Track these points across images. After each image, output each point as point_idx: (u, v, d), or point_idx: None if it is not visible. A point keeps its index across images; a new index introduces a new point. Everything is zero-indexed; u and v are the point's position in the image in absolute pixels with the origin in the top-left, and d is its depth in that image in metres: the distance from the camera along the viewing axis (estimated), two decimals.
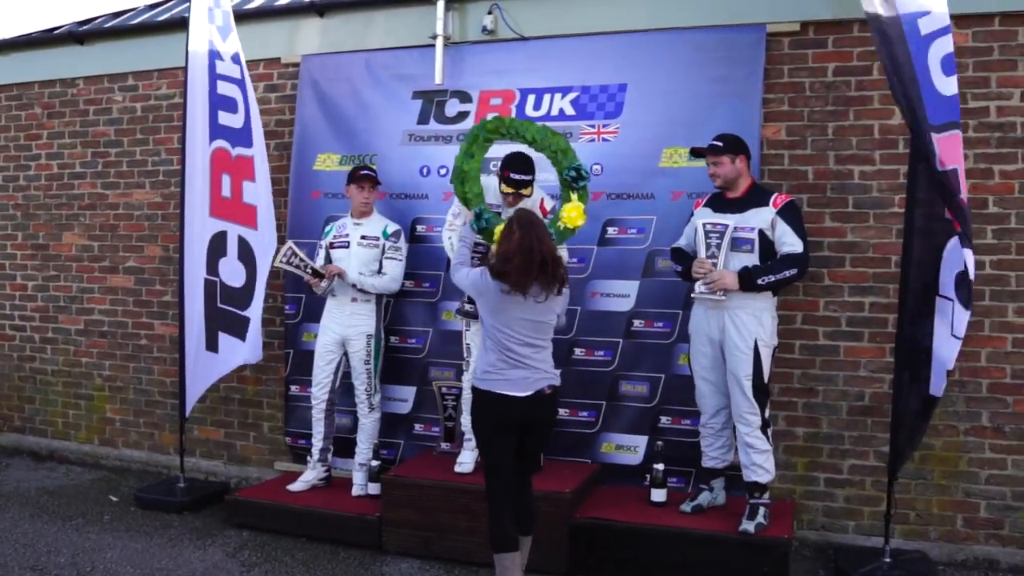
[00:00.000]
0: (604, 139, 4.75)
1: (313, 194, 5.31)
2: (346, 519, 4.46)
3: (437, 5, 4.96)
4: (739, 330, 3.90)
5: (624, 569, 4.00)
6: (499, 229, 3.74)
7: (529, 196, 4.20)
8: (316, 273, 4.66)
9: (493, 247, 3.89)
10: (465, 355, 4.50)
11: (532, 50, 4.92)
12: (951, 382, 4.06)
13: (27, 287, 6.32)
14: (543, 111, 4.86)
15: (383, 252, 4.73)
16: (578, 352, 4.73)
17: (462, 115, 5.03)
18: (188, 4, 5.08)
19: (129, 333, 5.97)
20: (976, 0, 4.12)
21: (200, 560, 4.25)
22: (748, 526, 3.87)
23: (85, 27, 6.09)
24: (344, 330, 4.73)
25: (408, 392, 5.08)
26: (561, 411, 4.53)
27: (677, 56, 4.63)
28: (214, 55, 4.93)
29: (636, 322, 4.64)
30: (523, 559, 3.56)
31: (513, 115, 4.84)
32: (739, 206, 3.98)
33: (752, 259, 3.91)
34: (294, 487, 4.79)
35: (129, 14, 6.22)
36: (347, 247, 4.74)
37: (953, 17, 3.61)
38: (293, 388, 5.33)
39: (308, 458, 4.92)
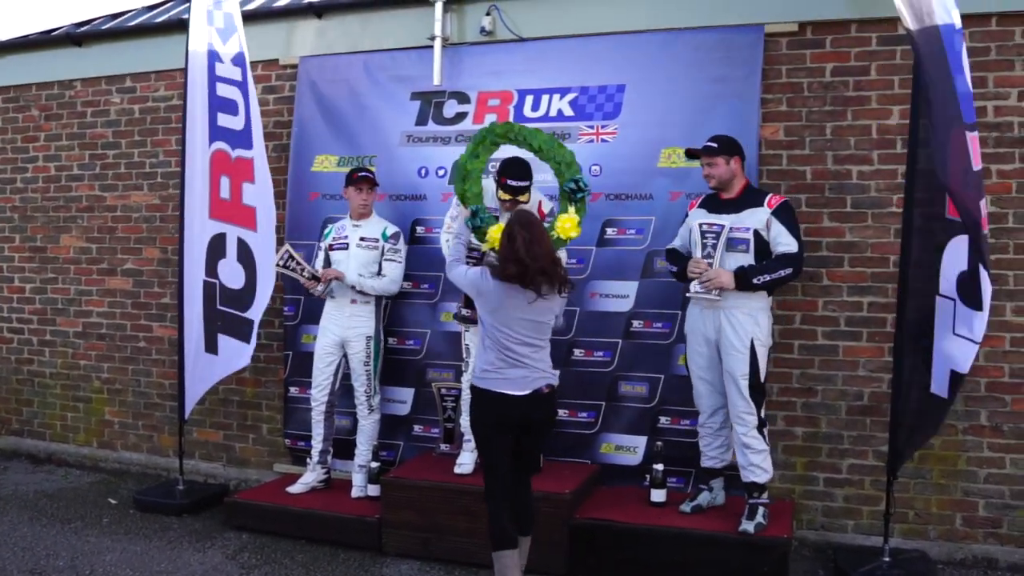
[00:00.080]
0: (603, 140, 4.75)
1: (311, 195, 5.31)
2: (346, 521, 4.46)
3: (435, 6, 4.96)
4: (735, 329, 3.92)
5: (624, 569, 4.01)
6: (493, 230, 3.77)
7: (526, 203, 4.19)
8: (313, 276, 4.66)
9: (484, 246, 3.91)
10: (464, 356, 4.51)
11: (530, 51, 4.92)
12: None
13: (25, 290, 6.31)
14: (541, 112, 4.86)
15: (382, 254, 4.74)
16: (577, 353, 4.73)
17: (460, 116, 5.03)
18: (185, 6, 5.08)
19: (127, 335, 5.96)
20: (974, 0, 4.12)
21: (199, 563, 4.25)
22: (748, 526, 3.88)
23: (83, 29, 6.07)
24: (343, 332, 4.73)
25: (407, 394, 5.08)
26: (560, 412, 4.54)
27: (675, 56, 4.63)
28: (214, 57, 4.92)
29: (635, 323, 4.65)
30: (522, 559, 3.57)
31: (511, 116, 4.85)
32: (734, 207, 4.00)
33: (747, 259, 3.93)
34: (293, 489, 4.78)
35: (127, 16, 6.21)
36: (346, 249, 4.74)
37: None
38: (292, 390, 5.33)
39: (307, 460, 4.91)
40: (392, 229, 4.80)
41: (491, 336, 3.46)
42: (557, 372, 3.73)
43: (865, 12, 4.35)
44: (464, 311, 4.38)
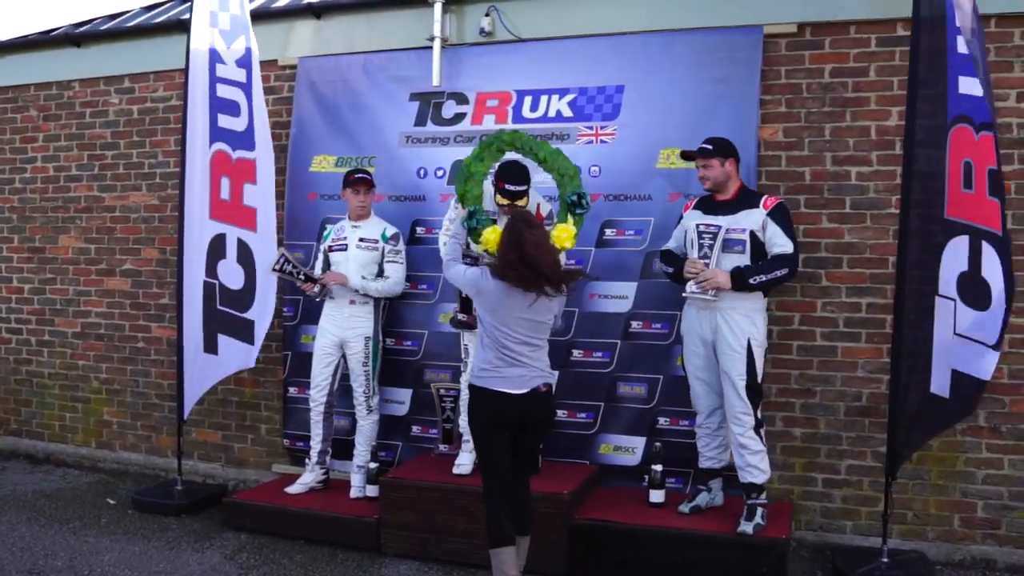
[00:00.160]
0: (602, 141, 4.75)
1: (310, 196, 5.30)
2: (344, 521, 4.46)
3: (434, 7, 4.96)
4: (732, 330, 3.93)
5: (623, 570, 4.01)
6: (487, 232, 3.79)
7: (524, 207, 4.18)
8: (309, 278, 4.66)
9: (478, 248, 3.92)
10: (463, 356, 4.50)
11: (529, 52, 4.92)
12: None
13: (23, 290, 6.31)
14: (540, 113, 4.86)
15: (383, 255, 4.73)
16: (576, 353, 4.73)
17: (459, 117, 5.03)
18: (184, 6, 5.08)
19: (126, 336, 5.95)
20: None
21: (198, 563, 4.24)
22: (746, 527, 3.88)
23: (81, 29, 6.06)
24: (342, 332, 4.73)
25: (405, 394, 5.07)
26: (559, 412, 4.54)
27: (674, 57, 4.63)
28: (215, 58, 4.92)
29: (634, 323, 4.65)
30: (521, 560, 3.57)
31: (510, 117, 4.87)
32: (730, 208, 4.02)
33: (743, 260, 3.94)
34: (292, 489, 4.78)
35: (125, 16, 6.20)
36: (345, 250, 4.73)
37: None
38: (291, 390, 5.32)
39: (306, 460, 4.91)
40: (391, 230, 4.79)
41: (490, 335, 3.46)
42: (556, 373, 3.72)
43: (864, 13, 4.36)
44: (460, 315, 4.38)
